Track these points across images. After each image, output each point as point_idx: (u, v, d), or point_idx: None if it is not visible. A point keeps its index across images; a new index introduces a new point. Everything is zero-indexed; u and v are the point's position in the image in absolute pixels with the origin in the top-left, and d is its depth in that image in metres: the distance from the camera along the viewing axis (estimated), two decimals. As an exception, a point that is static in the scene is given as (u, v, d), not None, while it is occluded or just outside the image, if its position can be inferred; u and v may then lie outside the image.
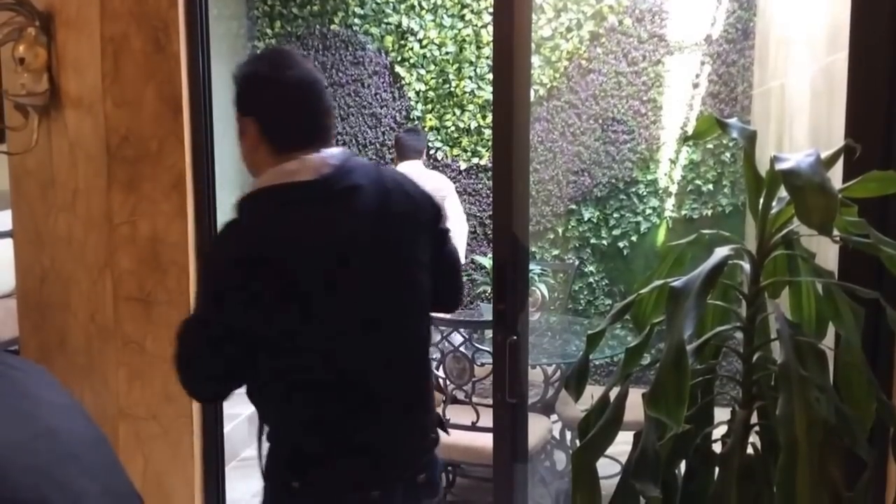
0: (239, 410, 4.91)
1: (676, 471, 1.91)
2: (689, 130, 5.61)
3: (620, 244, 5.74)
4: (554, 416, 4.09)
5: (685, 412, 1.52)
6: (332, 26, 6.08)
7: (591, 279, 5.80)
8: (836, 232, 1.64)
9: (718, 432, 1.95)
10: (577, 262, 5.67)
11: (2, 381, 1.19)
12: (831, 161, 1.75)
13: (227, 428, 2.96)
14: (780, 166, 1.62)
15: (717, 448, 1.91)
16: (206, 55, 2.68)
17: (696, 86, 5.61)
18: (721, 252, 1.74)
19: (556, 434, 4.08)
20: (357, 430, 1.85)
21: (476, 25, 5.88)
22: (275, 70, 1.81)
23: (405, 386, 1.95)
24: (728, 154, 5.55)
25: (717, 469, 1.81)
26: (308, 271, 1.76)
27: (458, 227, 5.00)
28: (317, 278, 1.76)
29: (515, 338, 2.32)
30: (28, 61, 2.63)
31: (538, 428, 3.66)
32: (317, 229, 1.77)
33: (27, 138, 2.68)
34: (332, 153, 1.84)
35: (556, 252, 5.82)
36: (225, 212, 5.68)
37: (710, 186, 5.58)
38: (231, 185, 5.92)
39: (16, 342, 3.09)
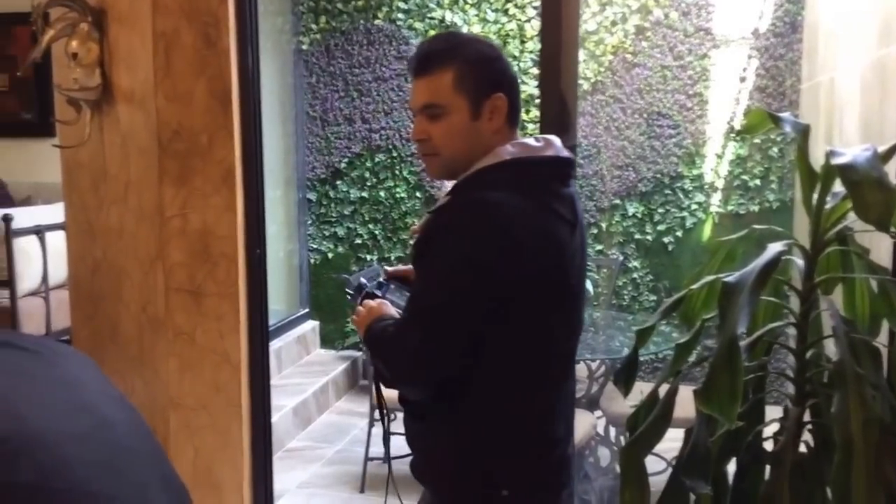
0: (283, 402, 4.96)
1: (726, 468, 1.90)
2: (736, 125, 5.55)
3: (665, 240, 5.68)
4: (598, 412, 4.07)
5: (738, 409, 1.51)
6: (377, 21, 6.09)
7: (635, 275, 5.76)
8: (892, 228, 1.61)
9: (769, 430, 1.93)
10: (621, 258, 5.64)
11: (52, 371, 1.20)
12: (888, 156, 1.72)
13: (272, 419, 2.98)
14: (836, 161, 1.60)
15: (767, 446, 1.90)
16: (255, 51, 2.71)
17: (742, 80, 5.54)
18: (775, 248, 1.73)
19: (601, 430, 4.06)
20: (562, 432, 1.81)
21: (520, 20, 5.86)
22: (495, 48, 1.84)
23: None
24: (775, 149, 5.48)
25: (768, 467, 1.79)
26: (570, 246, 1.73)
27: None
28: (573, 253, 1.74)
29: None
30: (80, 56, 2.66)
31: (583, 424, 3.65)
32: (572, 205, 1.76)
33: (80, 132, 2.71)
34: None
35: (599, 247, 5.79)
36: (273, 205, 5.64)
37: (758, 182, 5.51)
38: (276, 180, 5.97)
39: (68, 332, 3.14)
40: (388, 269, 2.05)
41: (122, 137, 2.72)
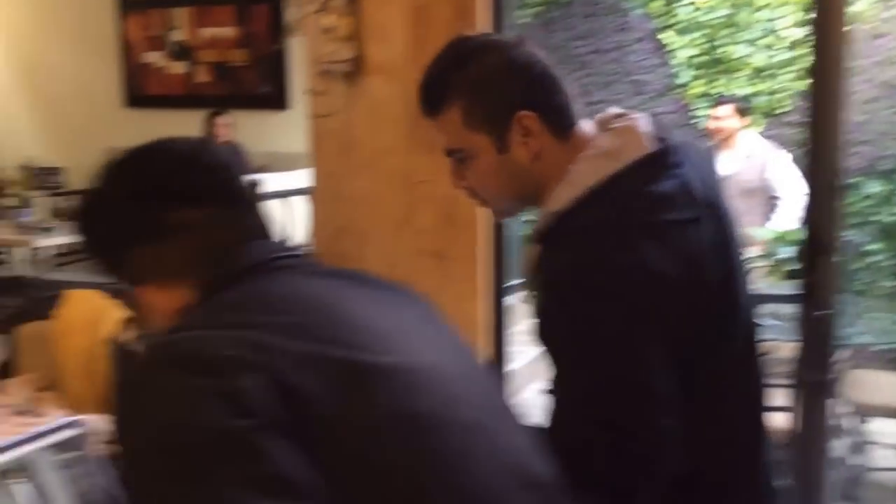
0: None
1: None
2: None
3: (908, 222, 5.32)
4: (835, 400, 3.87)
5: None
6: (597, -7, 6.03)
7: (872, 258, 5.41)
8: None
9: None
10: (856, 240, 5.32)
11: (425, 312, 1.29)
12: None
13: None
14: None
15: None
16: (503, 22, 2.72)
17: None
18: None
19: (838, 419, 3.86)
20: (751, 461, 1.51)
21: (750, -11, 5.64)
22: (511, 49, 1.45)
23: None
24: None
25: None
26: (701, 244, 1.35)
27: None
28: (706, 250, 1.36)
29: (823, 312, 2.23)
30: (334, 30, 2.77)
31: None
32: (688, 195, 1.35)
33: (330, 102, 2.83)
34: (636, 114, 1.44)
35: (832, 228, 5.49)
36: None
37: None
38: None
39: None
40: None
41: (372, 107, 2.81)
